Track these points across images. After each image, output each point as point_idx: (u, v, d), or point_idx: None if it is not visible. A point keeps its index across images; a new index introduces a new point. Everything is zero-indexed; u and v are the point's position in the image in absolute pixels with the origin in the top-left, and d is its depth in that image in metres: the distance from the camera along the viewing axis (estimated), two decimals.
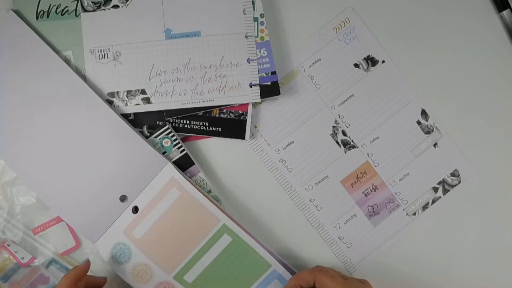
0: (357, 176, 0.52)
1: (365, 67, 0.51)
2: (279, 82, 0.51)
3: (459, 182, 0.52)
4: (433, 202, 0.52)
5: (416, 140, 0.51)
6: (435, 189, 0.52)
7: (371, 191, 0.52)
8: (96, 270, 0.52)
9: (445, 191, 0.52)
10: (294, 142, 0.52)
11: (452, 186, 0.52)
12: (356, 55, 0.52)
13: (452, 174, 0.51)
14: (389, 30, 0.52)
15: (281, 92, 0.50)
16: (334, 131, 0.52)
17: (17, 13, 0.50)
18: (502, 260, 0.52)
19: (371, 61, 0.51)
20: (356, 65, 0.51)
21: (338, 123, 0.52)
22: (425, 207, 0.52)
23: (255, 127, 0.52)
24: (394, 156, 0.52)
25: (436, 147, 0.51)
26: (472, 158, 0.51)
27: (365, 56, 0.51)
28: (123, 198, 0.49)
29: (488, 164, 0.52)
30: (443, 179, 0.52)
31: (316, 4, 0.52)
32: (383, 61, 0.51)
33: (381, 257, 0.52)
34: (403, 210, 0.52)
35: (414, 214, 0.52)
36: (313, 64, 0.52)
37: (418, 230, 0.52)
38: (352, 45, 0.52)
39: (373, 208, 0.52)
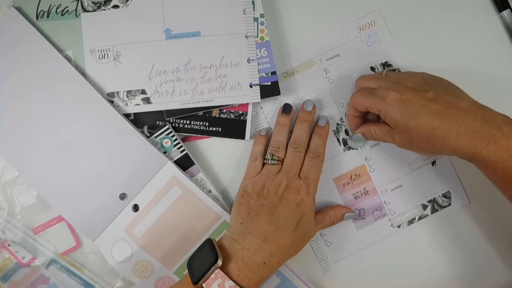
0: (351, 177, 0.51)
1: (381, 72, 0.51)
2: (293, 69, 0.51)
3: (449, 204, 0.51)
4: (420, 218, 0.51)
5: (416, 154, 0.51)
6: (424, 207, 0.51)
7: (361, 195, 0.51)
8: (96, 269, 0.52)
9: (434, 211, 0.51)
10: None
11: (442, 207, 0.51)
12: (375, 59, 0.51)
13: (444, 195, 0.51)
14: (412, 41, 0.51)
15: (294, 80, 0.50)
16: (337, 128, 0.51)
17: (18, 11, 0.50)
18: None
19: (388, 67, 0.51)
20: (372, 68, 0.51)
21: (343, 121, 0.51)
22: (411, 221, 0.51)
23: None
24: (391, 165, 0.51)
25: (434, 165, 0.51)
26: (466, 182, 0.51)
27: (383, 61, 0.51)
28: (122, 196, 0.49)
29: (480, 191, 0.51)
30: (433, 198, 0.51)
31: (335, 4, 0.52)
32: (398, 70, 0.49)
33: (358, 262, 0.52)
34: (389, 220, 0.51)
35: (399, 226, 0.51)
36: (331, 58, 0.51)
37: (399, 243, 0.51)
38: (372, 48, 0.51)
39: (359, 212, 0.51)
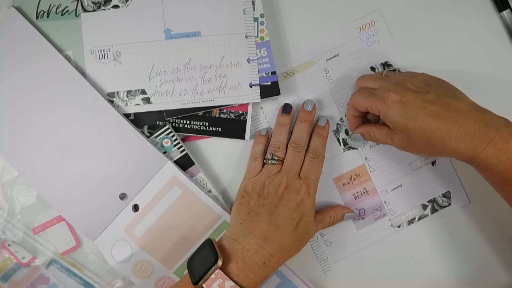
0: (351, 178, 0.51)
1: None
2: (293, 69, 0.51)
3: (449, 204, 0.51)
4: (420, 218, 0.51)
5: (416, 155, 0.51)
6: (424, 206, 0.51)
7: (361, 195, 0.51)
8: (96, 269, 0.52)
9: (434, 210, 0.51)
10: None
11: (441, 207, 0.51)
12: (375, 59, 0.51)
13: (444, 195, 0.51)
14: (412, 41, 0.51)
15: (294, 80, 0.50)
16: (337, 128, 0.51)
17: (18, 10, 0.50)
18: None
19: (388, 67, 0.51)
20: (372, 68, 0.51)
21: (343, 121, 0.51)
22: (411, 221, 0.51)
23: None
24: (391, 165, 0.51)
25: (434, 165, 0.51)
26: (466, 182, 0.51)
27: (383, 61, 0.51)
28: (122, 196, 0.49)
29: (480, 191, 0.51)
30: (433, 198, 0.51)
31: (333, 4, 0.52)
32: (398, 71, 0.49)
33: (358, 262, 0.52)
34: (389, 220, 0.51)
35: (399, 226, 0.51)
36: (331, 58, 0.51)
37: (399, 243, 0.51)
38: (372, 48, 0.51)
39: (359, 212, 0.51)
